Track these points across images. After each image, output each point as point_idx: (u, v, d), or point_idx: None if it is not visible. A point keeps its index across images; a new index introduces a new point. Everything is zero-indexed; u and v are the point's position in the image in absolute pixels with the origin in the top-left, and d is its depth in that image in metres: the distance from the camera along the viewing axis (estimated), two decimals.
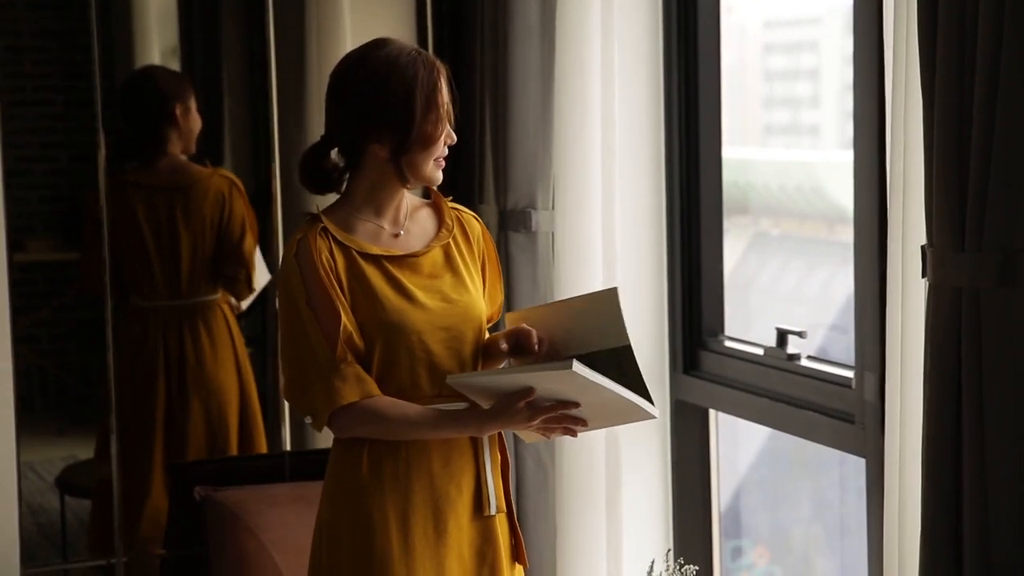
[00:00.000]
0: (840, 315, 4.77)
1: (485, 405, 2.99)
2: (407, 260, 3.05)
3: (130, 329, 4.77)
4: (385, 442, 3.01)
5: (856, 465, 4.57)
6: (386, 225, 3.07)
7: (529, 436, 3.08)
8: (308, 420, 3.04)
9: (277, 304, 3.08)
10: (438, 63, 3.03)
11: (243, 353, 4.88)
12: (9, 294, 4.08)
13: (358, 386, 2.96)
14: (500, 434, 3.11)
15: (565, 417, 2.95)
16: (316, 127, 4.88)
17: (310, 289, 2.97)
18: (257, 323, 5.03)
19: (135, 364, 4.74)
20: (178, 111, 4.78)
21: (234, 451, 4.79)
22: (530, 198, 4.11)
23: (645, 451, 4.20)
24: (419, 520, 3.01)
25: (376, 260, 3.02)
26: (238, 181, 4.83)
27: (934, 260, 2.77)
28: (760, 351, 4.00)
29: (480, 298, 3.12)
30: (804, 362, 3.88)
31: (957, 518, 2.78)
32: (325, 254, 2.98)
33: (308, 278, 2.97)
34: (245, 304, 4.87)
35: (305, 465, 4.16)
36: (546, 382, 2.88)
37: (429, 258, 3.08)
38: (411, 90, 2.97)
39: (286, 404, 4.76)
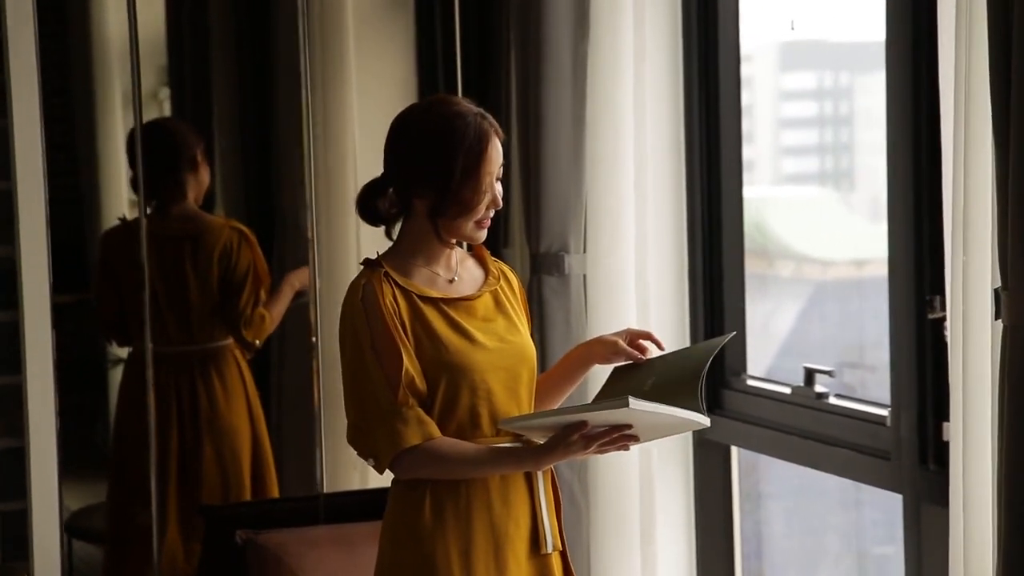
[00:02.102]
0: (783, 348, 4.81)
1: (540, 440, 3.01)
2: (463, 303, 3.07)
3: (141, 374, 4.73)
4: (446, 482, 3.02)
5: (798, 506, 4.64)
6: (440, 271, 3.09)
7: (581, 454, 3.10)
8: (370, 462, 3.05)
9: (339, 347, 3.07)
10: (493, 129, 3.03)
11: (255, 397, 4.85)
12: (53, 334, 4.03)
13: (419, 429, 2.97)
14: (553, 474, 3.13)
15: (620, 437, 2.96)
16: (327, 173, 4.92)
17: (375, 333, 2.98)
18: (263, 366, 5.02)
19: (142, 408, 4.70)
20: (199, 158, 4.77)
21: (247, 495, 4.78)
22: (562, 241, 4.12)
23: (674, 489, 4.24)
24: (480, 557, 3.02)
25: (435, 303, 3.04)
26: (250, 234, 4.80)
27: (1010, 302, 2.81)
28: (787, 390, 4.05)
29: (531, 341, 3.15)
30: (833, 400, 3.93)
31: None
32: (389, 298, 3.00)
33: (373, 322, 2.98)
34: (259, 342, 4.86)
35: (339, 507, 4.14)
36: (602, 419, 2.91)
37: (482, 302, 3.10)
38: (454, 155, 2.98)
39: (319, 446, 4.75)
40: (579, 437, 2.93)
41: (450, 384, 3.01)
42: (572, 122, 4.07)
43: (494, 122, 3.04)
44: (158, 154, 4.69)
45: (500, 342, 3.07)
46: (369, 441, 3.02)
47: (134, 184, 4.75)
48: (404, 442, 2.97)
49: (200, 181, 4.81)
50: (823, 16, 4.35)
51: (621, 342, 3.13)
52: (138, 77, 4.54)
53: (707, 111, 4.22)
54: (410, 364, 2.98)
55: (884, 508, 4.57)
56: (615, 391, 3.05)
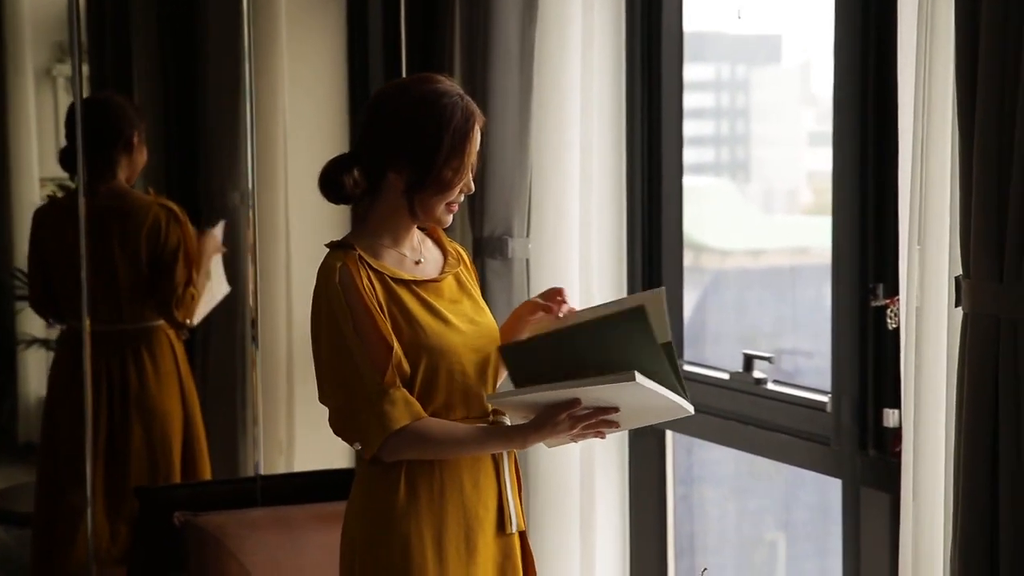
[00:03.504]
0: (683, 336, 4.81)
1: (521, 419, 2.97)
2: (431, 285, 3.03)
3: (70, 353, 4.63)
4: (421, 464, 2.97)
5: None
6: (407, 253, 3.04)
7: (554, 442, 3.04)
8: (357, 447, 2.99)
9: (311, 332, 2.99)
10: (477, 113, 2.99)
11: (188, 378, 4.75)
12: None
13: (407, 409, 2.91)
14: (515, 454, 3.10)
15: (601, 422, 2.93)
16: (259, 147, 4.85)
17: (356, 315, 2.91)
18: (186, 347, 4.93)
19: (74, 388, 4.59)
20: (135, 138, 4.66)
21: (177, 477, 4.68)
22: (506, 225, 4.06)
23: (611, 473, 4.21)
24: (452, 539, 2.99)
25: (407, 285, 2.99)
26: (179, 212, 4.69)
27: (971, 290, 2.80)
28: (725, 375, 4.03)
29: (495, 321, 3.11)
30: (771, 386, 3.92)
31: (993, 545, 2.78)
32: (365, 280, 2.94)
33: (353, 304, 2.92)
34: (196, 319, 4.77)
35: (276, 489, 4.07)
36: (599, 393, 2.85)
37: (447, 284, 3.06)
38: (441, 132, 2.93)
39: (254, 427, 4.68)
40: (567, 416, 2.89)
41: (429, 367, 2.95)
42: (519, 107, 4.02)
43: (476, 106, 2.99)
44: (94, 131, 4.57)
45: (471, 324, 3.03)
46: (356, 425, 2.94)
47: (63, 160, 4.64)
48: (394, 424, 2.90)
49: (134, 162, 4.70)
50: (722, 8, 4.37)
51: (538, 299, 3.09)
52: (79, 54, 4.44)
53: (649, 98, 4.18)
54: (397, 344, 2.92)
55: (771, 496, 4.59)
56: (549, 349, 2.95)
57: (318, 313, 2.96)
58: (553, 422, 2.90)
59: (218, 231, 4.84)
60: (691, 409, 2.92)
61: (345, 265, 2.94)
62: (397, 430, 2.91)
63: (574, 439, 2.98)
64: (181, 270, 4.67)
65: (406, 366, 2.93)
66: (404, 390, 2.92)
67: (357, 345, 2.91)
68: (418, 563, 2.95)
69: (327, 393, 2.98)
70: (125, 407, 4.66)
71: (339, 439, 3.03)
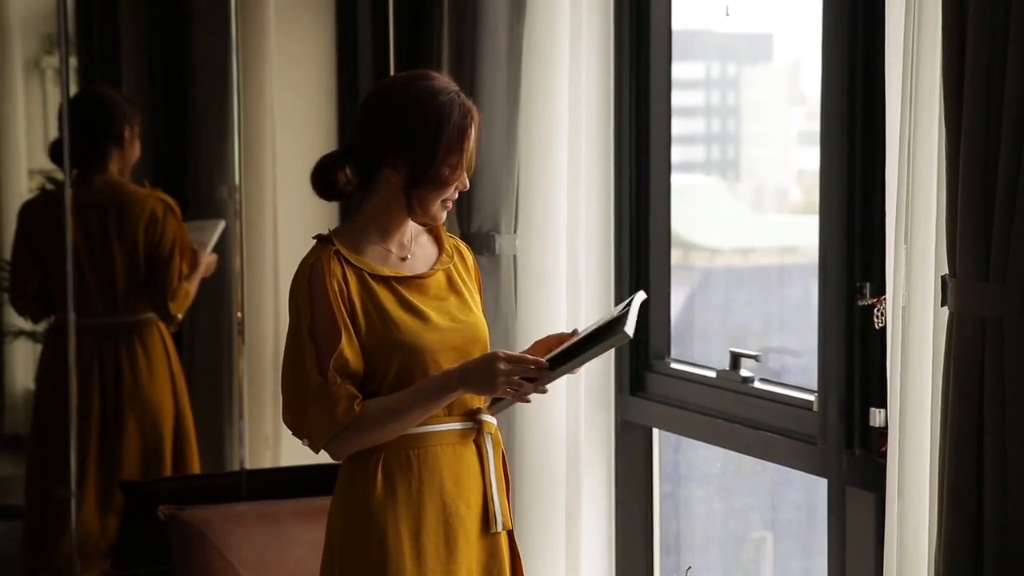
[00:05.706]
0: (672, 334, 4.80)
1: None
2: (415, 281, 3.00)
3: (60, 346, 4.62)
4: (398, 458, 2.95)
5: None
6: (393, 248, 3.02)
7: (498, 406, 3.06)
8: (305, 443, 2.98)
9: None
10: (474, 110, 2.96)
11: (179, 372, 4.76)
12: None
13: (349, 405, 2.90)
14: (504, 453, 3.08)
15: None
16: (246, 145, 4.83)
17: (316, 313, 2.90)
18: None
19: (65, 381, 4.58)
20: (127, 133, 4.67)
21: (168, 470, 4.69)
22: (494, 221, 4.03)
23: (597, 470, 4.20)
24: (431, 536, 2.96)
25: (387, 281, 2.97)
26: (174, 205, 4.71)
27: (957, 290, 2.78)
28: (712, 373, 4.02)
29: (483, 320, 3.08)
30: (758, 384, 3.90)
31: (978, 545, 2.74)
32: (338, 277, 2.92)
33: (316, 302, 2.91)
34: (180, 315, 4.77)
35: (260, 484, 4.06)
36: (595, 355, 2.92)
37: (435, 280, 3.03)
38: (440, 129, 2.91)
39: (242, 420, 4.67)
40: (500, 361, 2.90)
41: (403, 364, 2.93)
42: (506, 103, 3.99)
43: (472, 103, 2.97)
44: (85, 125, 4.58)
45: (452, 321, 3.00)
46: (303, 422, 2.95)
47: (53, 152, 4.64)
48: (337, 424, 2.90)
49: (126, 156, 4.72)
50: (711, 6, 4.36)
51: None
52: (67, 46, 4.42)
53: (638, 96, 4.15)
54: (347, 345, 2.90)
55: (757, 494, 4.58)
56: None
57: (290, 308, 2.97)
58: (486, 362, 2.90)
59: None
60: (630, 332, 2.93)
61: (319, 261, 2.92)
62: (339, 431, 2.91)
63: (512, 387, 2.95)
64: (178, 264, 4.70)
65: (355, 366, 2.91)
66: (348, 386, 2.90)
67: (309, 345, 2.90)
68: (395, 558, 2.93)
69: (282, 385, 2.99)
70: (118, 400, 4.67)
71: None
